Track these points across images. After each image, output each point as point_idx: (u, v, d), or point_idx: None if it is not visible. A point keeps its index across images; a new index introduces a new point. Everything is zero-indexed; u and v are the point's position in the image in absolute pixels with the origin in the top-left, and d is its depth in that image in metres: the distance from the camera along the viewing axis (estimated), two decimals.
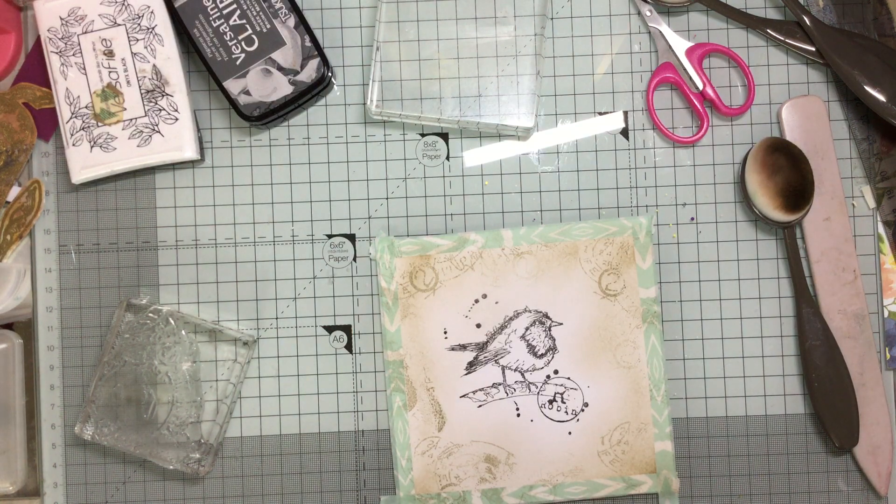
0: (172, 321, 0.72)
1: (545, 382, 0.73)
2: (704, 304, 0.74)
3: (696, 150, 0.75)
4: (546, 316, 0.73)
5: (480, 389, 0.73)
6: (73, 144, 0.72)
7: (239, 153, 0.75)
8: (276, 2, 0.71)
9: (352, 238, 0.75)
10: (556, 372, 0.73)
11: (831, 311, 0.73)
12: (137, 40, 0.72)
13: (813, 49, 0.73)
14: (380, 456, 0.74)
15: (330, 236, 0.75)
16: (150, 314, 0.72)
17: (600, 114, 0.75)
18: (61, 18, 0.72)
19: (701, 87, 0.73)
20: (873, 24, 0.74)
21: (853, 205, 0.74)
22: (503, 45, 0.73)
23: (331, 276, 0.75)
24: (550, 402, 0.73)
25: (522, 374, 0.73)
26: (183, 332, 0.72)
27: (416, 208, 0.75)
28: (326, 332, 0.75)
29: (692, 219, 0.74)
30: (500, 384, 0.73)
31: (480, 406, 0.73)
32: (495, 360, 0.73)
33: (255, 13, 0.71)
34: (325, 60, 0.71)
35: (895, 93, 0.70)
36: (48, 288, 0.75)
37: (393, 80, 0.73)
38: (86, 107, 0.72)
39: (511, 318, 0.73)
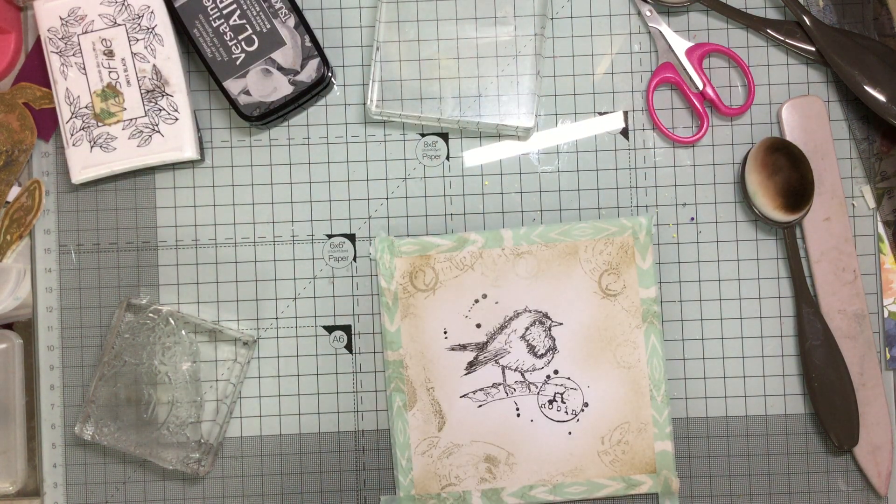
0: (172, 321, 0.72)
1: (545, 382, 0.73)
2: (704, 304, 0.74)
3: (696, 150, 0.75)
4: (546, 316, 0.73)
5: (480, 389, 0.73)
6: (73, 144, 0.72)
7: (239, 153, 0.75)
8: (276, 2, 0.71)
9: (352, 238, 0.75)
10: (556, 372, 0.73)
11: (831, 311, 0.73)
12: (137, 40, 0.72)
13: (813, 49, 0.73)
14: (380, 456, 0.74)
15: (330, 236, 0.75)
16: (150, 314, 0.72)
17: (600, 114, 0.75)
18: (61, 18, 0.72)
19: (701, 87, 0.73)
20: (873, 24, 0.74)
21: (853, 205, 0.74)
22: (503, 45, 0.73)
23: (331, 276, 0.75)
24: (550, 402, 0.73)
25: (522, 374, 0.73)
26: (183, 332, 0.72)
27: (416, 208, 0.75)
28: (326, 332, 0.75)
29: (692, 219, 0.74)
30: (500, 384, 0.73)
31: (480, 406, 0.73)
32: (495, 360, 0.73)
33: (255, 13, 0.71)
34: (325, 60, 0.71)
35: (895, 93, 0.70)
36: (48, 288, 0.75)
37: (393, 80, 0.73)
38: (86, 107, 0.72)
39: (511, 318, 0.73)
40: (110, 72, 0.72)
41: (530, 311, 0.73)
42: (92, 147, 0.72)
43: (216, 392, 0.73)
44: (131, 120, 0.72)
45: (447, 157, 0.75)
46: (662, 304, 0.74)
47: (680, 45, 0.73)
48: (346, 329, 0.75)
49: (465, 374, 0.73)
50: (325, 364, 0.75)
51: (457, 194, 0.75)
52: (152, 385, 0.72)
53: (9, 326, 0.78)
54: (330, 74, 0.73)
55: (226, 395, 0.73)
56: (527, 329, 0.73)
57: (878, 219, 0.74)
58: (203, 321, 0.73)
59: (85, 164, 0.72)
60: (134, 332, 0.71)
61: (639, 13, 0.75)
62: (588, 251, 0.73)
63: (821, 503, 0.74)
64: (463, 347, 0.73)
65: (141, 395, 0.72)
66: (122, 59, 0.72)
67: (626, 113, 0.75)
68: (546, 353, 0.73)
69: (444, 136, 0.75)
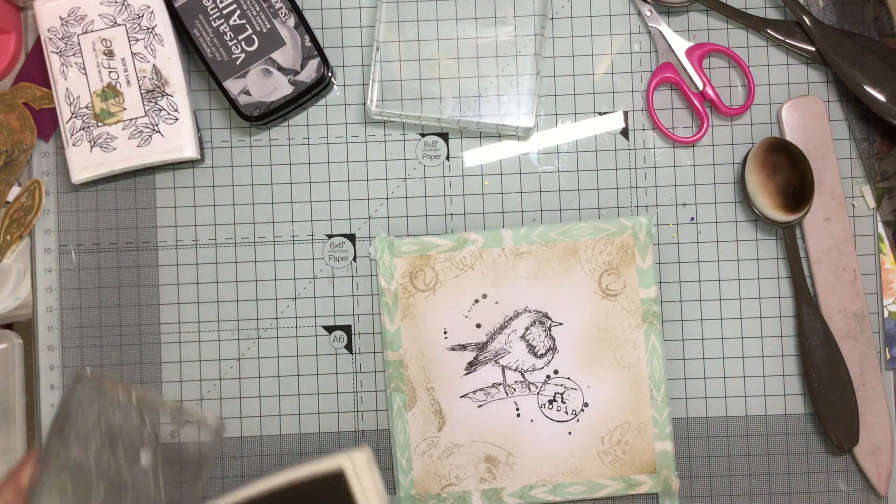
0: (131, 399, 0.59)
1: (545, 382, 0.73)
2: (704, 304, 0.74)
3: (696, 150, 0.75)
4: (546, 316, 0.73)
5: (480, 389, 0.73)
6: (73, 144, 0.72)
7: (239, 153, 0.75)
8: (276, 2, 0.71)
9: (352, 238, 0.75)
10: (556, 372, 0.73)
11: (831, 311, 0.73)
12: (137, 40, 0.72)
13: (813, 49, 0.73)
14: (380, 456, 0.74)
15: (330, 236, 0.75)
16: (105, 391, 0.59)
17: (600, 114, 0.75)
18: (61, 18, 0.72)
19: (701, 87, 0.73)
20: (873, 24, 0.74)
21: (853, 205, 0.74)
22: (503, 45, 0.73)
23: (331, 276, 0.75)
24: (550, 402, 0.73)
25: (522, 374, 0.73)
26: (144, 416, 0.59)
27: (416, 208, 0.75)
28: (326, 332, 0.75)
29: (692, 219, 0.74)
30: (500, 384, 0.73)
31: (480, 406, 0.73)
32: (495, 360, 0.73)
33: (255, 13, 0.71)
34: (325, 60, 0.71)
35: (895, 93, 0.70)
36: (48, 288, 0.75)
37: (393, 80, 0.73)
38: (86, 107, 0.72)
39: (511, 318, 0.73)
40: (110, 72, 0.72)
41: (530, 311, 0.73)
42: (92, 147, 0.72)
43: (179, 492, 0.60)
44: (131, 120, 0.72)
45: (447, 157, 0.75)
46: (662, 304, 0.74)
47: (680, 45, 0.73)
48: (346, 329, 0.75)
49: (465, 374, 0.73)
50: (325, 364, 0.75)
51: (457, 194, 0.75)
52: (105, 479, 0.59)
53: (9, 326, 0.78)
54: (330, 74, 0.73)
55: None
56: (527, 329, 0.73)
57: (878, 219, 0.74)
58: (164, 401, 0.61)
59: (85, 164, 0.72)
60: (85, 413, 0.58)
61: (639, 13, 0.75)
62: (588, 251, 0.73)
63: (821, 503, 0.74)
64: (463, 347, 0.73)
65: (90, 490, 0.58)
66: (122, 59, 0.72)
67: (626, 113, 0.75)
68: (546, 353, 0.73)
69: (444, 136, 0.75)
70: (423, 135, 0.75)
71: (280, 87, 0.71)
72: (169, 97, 0.72)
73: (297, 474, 0.60)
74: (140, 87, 0.72)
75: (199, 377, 0.74)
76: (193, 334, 0.75)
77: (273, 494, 0.60)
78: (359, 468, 0.59)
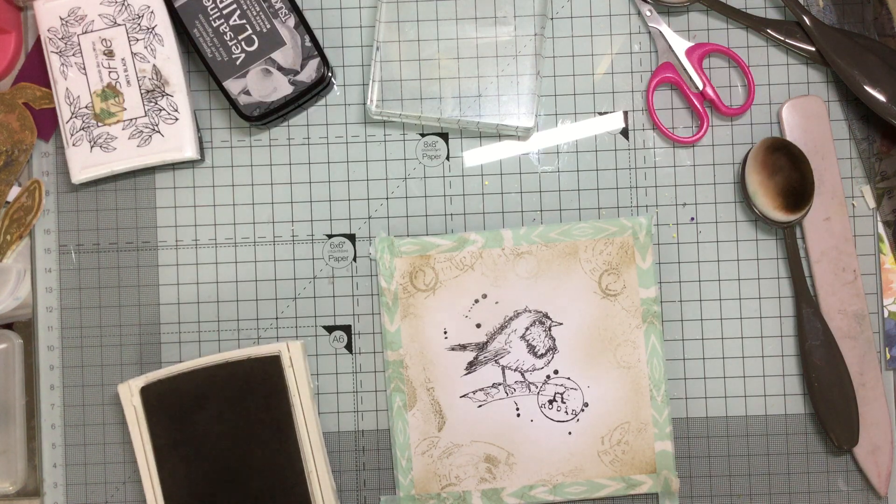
0: None
1: (545, 382, 0.73)
2: (704, 304, 0.74)
3: (696, 150, 0.75)
4: (546, 316, 0.73)
5: (480, 389, 0.73)
6: (73, 144, 0.72)
7: (239, 153, 0.75)
8: (276, 2, 0.71)
9: (352, 238, 0.75)
10: (556, 372, 0.73)
11: (831, 311, 0.73)
12: (137, 40, 0.72)
13: (813, 49, 0.73)
14: (380, 456, 0.74)
15: (330, 236, 0.75)
16: None
17: (600, 114, 0.75)
18: (61, 18, 0.72)
19: (701, 87, 0.73)
20: (873, 24, 0.74)
21: (853, 205, 0.74)
22: (503, 45, 0.73)
23: (331, 276, 0.75)
24: (550, 402, 0.73)
25: (522, 374, 0.73)
26: None
27: (416, 208, 0.75)
28: (326, 332, 0.75)
29: (692, 219, 0.74)
30: (500, 384, 0.73)
31: (480, 406, 0.73)
32: (495, 360, 0.73)
33: (255, 13, 0.71)
34: (325, 60, 0.71)
35: (895, 93, 0.70)
36: (48, 288, 0.75)
37: (393, 80, 0.73)
38: (86, 107, 0.72)
39: (511, 318, 0.73)
40: (110, 72, 0.72)
41: (530, 311, 0.73)
42: (92, 147, 0.72)
43: None
44: (131, 120, 0.72)
45: (447, 157, 0.75)
46: (662, 304, 0.74)
47: (680, 45, 0.73)
48: (346, 329, 0.75)
49: (465, 374, 0.73)
50: (325, 364, 0.75)
51: (457, 194, 0.75)
52: None
53: (9, 326, 0.78)
54: (330, 74, 0.73)
55: None
56: (527, 329, 0.73)
57: (878, 219, 0.74)
58: None
59: (85, 164, 0.72)
60: None
61: (639, 13, 0.75)
62: (588, 251, 0.73)
63: (821, 503, 0.74)
64: (463, 347, 0.73)
65: None
66: (122, 59, 0.72)
67: (626, 113, 0.75)
68: (546, 353, 0.73)
69: (444, 136, 0.75)
70: (423, 135, 0.75)
71: (280, 87, 0.71)
72: (169, 97, 0.72)
73: (237, 355, 0.69)
74: (140, 87, 0.72)
75: None
76: (193, 334, 0.75)
77: (211, 368, 0.69)
78: (293, 356, 0.69)
